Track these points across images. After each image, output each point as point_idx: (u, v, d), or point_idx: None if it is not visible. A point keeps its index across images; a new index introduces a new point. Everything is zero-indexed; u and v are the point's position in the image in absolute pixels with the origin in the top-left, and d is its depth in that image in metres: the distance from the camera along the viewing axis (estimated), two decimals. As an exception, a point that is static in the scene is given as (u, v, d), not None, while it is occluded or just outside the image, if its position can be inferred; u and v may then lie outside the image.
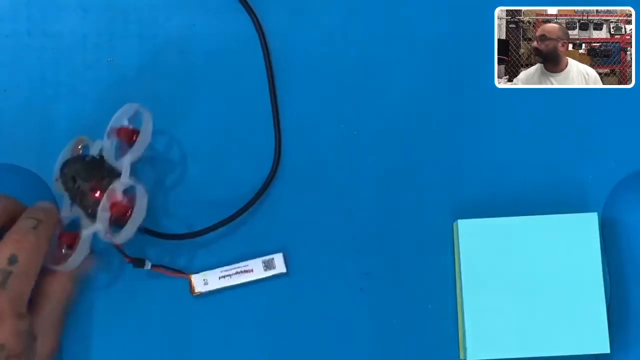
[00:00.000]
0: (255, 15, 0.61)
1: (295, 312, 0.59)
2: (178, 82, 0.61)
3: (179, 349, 0.58)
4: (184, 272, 0.58)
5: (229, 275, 0.58)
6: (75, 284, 0.55)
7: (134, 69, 0.60)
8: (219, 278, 0.58)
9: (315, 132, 0.60)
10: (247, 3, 0.61)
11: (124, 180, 0.54)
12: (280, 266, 0.58)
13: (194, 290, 0.58)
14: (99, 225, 0.53)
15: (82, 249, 0.53)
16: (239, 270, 0.58)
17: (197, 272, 0.58)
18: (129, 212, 0.53)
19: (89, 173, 0.53)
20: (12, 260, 0.49)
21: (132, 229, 0.53)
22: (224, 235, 0.59)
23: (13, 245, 0.50)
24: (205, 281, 0.58)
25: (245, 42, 0.61)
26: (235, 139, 0.60)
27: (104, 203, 0.53)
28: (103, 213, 0.53)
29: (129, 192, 0.54)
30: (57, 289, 0.53)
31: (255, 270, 0.58)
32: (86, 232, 0.53)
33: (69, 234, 0.54)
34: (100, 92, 0.59)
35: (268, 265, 0.58)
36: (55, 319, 0.53)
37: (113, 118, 0.56)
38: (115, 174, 0.54)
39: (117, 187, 0.53)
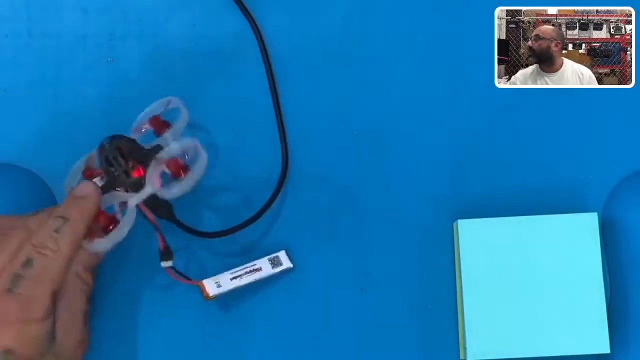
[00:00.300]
0: (251, 16, 0.60)
1: (297, 310, 0.59)
2: (178, 82, 0.61)
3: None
4: (193, 280, 0.57)
5: (240, 276, 0.58)
6: (94, 272, 0.54)
7: (134, 69, 0.61)
8: (230, 279, 0.57)
9: (316, 132, 0.60)
10: (242, 4, 0.60)
11: (175, 146, 0.53)
12: (285, 261, 0.58)
13: (207, 295, 0.57)
14: (149, 188, 0.52)
15: (127, 221, 0.52)
16: (248, 270, 0.58)
17: (203, 277, 0.57)
18: (186, 171, 0.53)
19: (132, 149, 0.53)
20: (28, 264, 0.48)
21: (192, 181, 0.52)
22: (225, 238, 0.59)
23: (31, 249, 0.48)
24: (217, 284, 0.57)
25: (246, 42, 0.61)
26: (236, 139, 0.60)
27: (153, 166, 0.52)
28: (158, 165, 0.52)
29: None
30: (74, 282, 0.52)
31: (263, 268, 0.58)
32: (135, 199, 0.52)
33: (106, 215, 0.52)
34: (100, 92, 0.59)
35: (274, 262, 0.58)
36: (76, 311, 0.52)
37: (144, 112, 0.56)
38: (157, 149, 0.54)
39: (164, 155, 0.53)
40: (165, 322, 0.58)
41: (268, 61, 0.60)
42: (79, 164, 0.54)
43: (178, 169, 0.53)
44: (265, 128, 0.60)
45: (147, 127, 0.56)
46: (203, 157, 0.53)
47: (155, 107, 0.56)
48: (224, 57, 0.61)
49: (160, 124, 0.56)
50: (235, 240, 0.59)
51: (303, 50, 0.61)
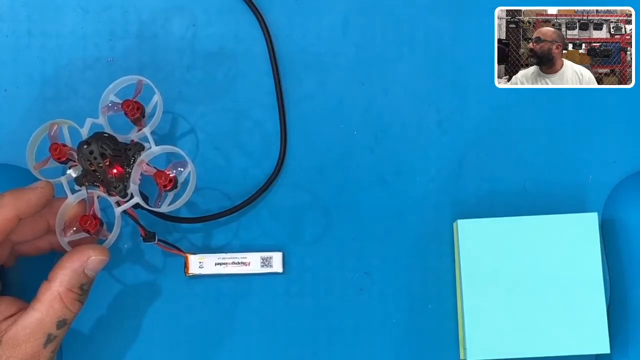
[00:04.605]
0: (261, 16, 0.60)
1: (293, 310, 0.59)
2: (178, 82, 0.61)
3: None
4: (182, 251, 0.58)
5: (225, 264, 0.58)
6: (81, 298, 0.52)
7: (134, 69, 0.60)
8: (215, 264, 0.58)
9: (317, 131, 0.60)
10: (252, 3, 0.61)
11: (155, 148, 0.54)
12: (277, 266, 0.58)
13: (188, 270, 0.58)
14: (138, 198, 0.53)
15: (116, 230, 0.53)
16: (235, 260, 0.58)
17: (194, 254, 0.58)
18: (174, 182, 0.53)
19: (112, 148, 0.53)
20: None
21: (188, 195, 0.53)
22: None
23: None
24: (200, 264, 0.58)
25: (246, 42, 0.61)
26: (236, 138, 0.60)
27: (136, 170, 0.53)
28: (139, 167, 0.52)
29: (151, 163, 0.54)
30: (52, 303, 0.50)
31: (252, 264, 0.58)
32: (122, 207, 0.53)
33: (89, 218, 0.52)
34: (100, 92, 0.59)
35: (265, 263, 0.58)
36: (35, 331, 0.49)
37: (106, 91, 0.56)
38: (137, 147, 0.54)
39: (144, 157, 0.53)
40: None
41: (275, 60, 0.60)
42: (35, 137, 0.55)
43: (166, 181, 0.53)
44: (265, 127, 0.60)
45: (115, 112, 0.56)
46: (192, 172, 0.53)
47: (119, 84, 0.56)
48: (224, 56, 0.61)
49: (134, 107, 0.55)
50: (237, 232, 0.59)
51: (303, 50, 0.61)
